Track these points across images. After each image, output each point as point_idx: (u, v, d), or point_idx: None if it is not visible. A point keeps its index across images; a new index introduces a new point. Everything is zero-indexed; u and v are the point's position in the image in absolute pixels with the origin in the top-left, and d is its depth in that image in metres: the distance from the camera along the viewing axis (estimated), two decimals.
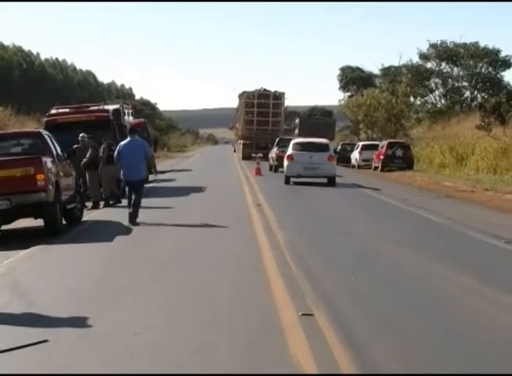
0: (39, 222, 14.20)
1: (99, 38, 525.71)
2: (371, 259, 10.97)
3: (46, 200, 13.43)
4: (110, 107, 24.51)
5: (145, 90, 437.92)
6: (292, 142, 29.65)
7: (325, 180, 27.50)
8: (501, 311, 7.69)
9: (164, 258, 11.06)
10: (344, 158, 45.29)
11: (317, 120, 64.08)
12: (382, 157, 38.43)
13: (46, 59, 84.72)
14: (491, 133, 37.84)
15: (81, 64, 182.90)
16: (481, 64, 62.86)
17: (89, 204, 18.69)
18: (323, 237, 13.37)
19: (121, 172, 15.58)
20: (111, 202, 19.29)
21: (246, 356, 6.04)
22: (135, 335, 6.59)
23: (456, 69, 63.72)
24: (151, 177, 22.13)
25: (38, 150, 14.12)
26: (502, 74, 63.53)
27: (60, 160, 14.93)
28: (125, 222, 14.94)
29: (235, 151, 71.30)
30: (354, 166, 44.05)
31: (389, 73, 69.25)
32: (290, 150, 28.48)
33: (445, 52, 62.66)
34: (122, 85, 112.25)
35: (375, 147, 41.09)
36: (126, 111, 26.30)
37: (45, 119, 23.12)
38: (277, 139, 39.78)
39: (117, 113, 23.97)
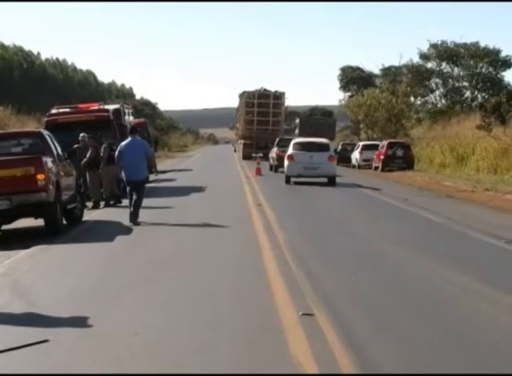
0: (40, 222, 14.20)
1: (100, 38, 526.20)
2: (371, 259, 10.96)
3: (47, 200, 13.43)
4: (111, 107, 24.49)
5: (145, 90, 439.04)
6: (292, 142, 29.69)
7: (325, 180, 27.55)
8: (502, 311, 7.69)
9: (164, 257, 11.06)
10: (344, 158, 45.29)
11: (317, 120, 64.13)
12: (382, 157, 38.42)
13: (46, 59, 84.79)
14: (491, 133, 37.83)
15: (82, 64, 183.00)
16: (481, 64, 62.88)
17: (90, 204, 18.69)
18: (324, 237, 13.36)
19: (122, 172, 15.60)
20: (112, 202, 19.29)
21: (246, 355, 6.04)
22: (135, 335, 6.59)
23: (456, 69, 63.75)
24: (152, 177, 22.15)
25: (39, 150, 14.11)
26: (503, 74, 63.65)
27: (61, 160, 14.93)
28: (126, 221, 14.94)
29: (235, 151, 71.31)
30: (354, 166, 44.05)
31: (389, 73, 69.26)
32: (290, 150, 28.52)
33: (446, 52, 62.67)
34: (122, 85, 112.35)
35: (375, 147, 41.08)
36: (126, 111, 26.28)
37: (46, 119, 23.11)
38: (277, 139, 39.80)
39: (118, 112, 23.96)
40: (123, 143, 15.72)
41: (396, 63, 69.11)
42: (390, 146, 38.50)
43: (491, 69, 63.18)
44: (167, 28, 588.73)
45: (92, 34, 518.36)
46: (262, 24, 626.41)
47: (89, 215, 17.01)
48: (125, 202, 16.83)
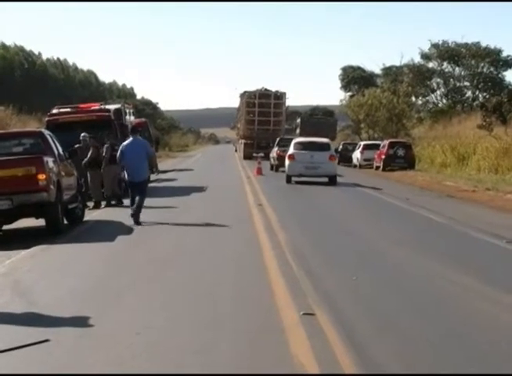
0: (41, 222, 14.20)
1: (100, 38, 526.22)
2: (372, 259, 10.96)
3: (48, 199, 13.43)
4: (112, 107, 24.50)
5: (146, 90, 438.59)
6: (293, 142, 29.78)
7: (326, 179, 27.62)
8: (503, 311, 7.69)
9: (165, 257, 11.06)
10: (345, 158, 45.35)
11: (318, 119, 64.15)
12: (383, 156, 38.42)
13: (48, 59, 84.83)
14: (492, 133, 37.84)
15: (83, 64, 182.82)
16: (482, 64, 62.88)
17: (91, 204, 18.70)
18: (325, 237, 13.36)
19: (124, 173, 15.60)
20: (113, 202, 19.28)
21: (247, 355, 6.04)
22: (136, 335, 6.59)
23: (457, 69, 63.75)
24: (153, 177, 22.17)
25: (40, 150, 14.11)
26: (504, 73, 63.67)
27: (62, 160, 14.93)
28: (127, 221, 14.94)
29: (236, 151, 71.33)
30: (355, 166, 44.06)
31: (390, 72, 69.26)
32: (291, 150, 28.59)
33: (447, 52, 62.67)
34: (123, 85, 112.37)
35: (376, 147, 41.08)
36: (127, 111, 26.29)
37: (47, 119, 23.13)
38: (278, 139, 39.85)
39: (119, 112, 23.97)
40: (124, 143, 15.72)
41: (397, 63, 69.25)
42: (391, 145, 38.50)
43: (492, 69, 63.18)
44: (168, 28, 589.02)
45: (93, 34, 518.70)
46: (262, 24, 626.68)
47: (90, 215, 17.01)
48: (126, 202, 16.82)
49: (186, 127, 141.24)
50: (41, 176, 13.25)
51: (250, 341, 6.42)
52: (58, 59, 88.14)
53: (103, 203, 19.19)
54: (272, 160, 37.67)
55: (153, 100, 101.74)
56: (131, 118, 26.77)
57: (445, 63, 63.61)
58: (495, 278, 9.55)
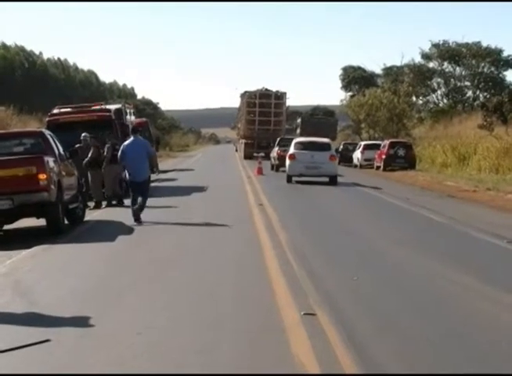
0: (41, 222, 14.20)
1: (100, 38, 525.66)
2: (373, 259, 10.97)
3: (48, 199, 13.44)
4: (112, 107, 24.52)
5: (147, 90, 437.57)
6: (294, 142, 29.86)
7: (326, 179, 27.66)
8: (503, 311, 7.69)
9: (166, 257, 11.07)
10: (346, 158, 45.36)
11: (319, 119, 64.15)
12: (384, 156, 38.42)
13: (48, 59, 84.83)
14: (493, 133, 37.84)
15: (83, 64, 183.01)
16: (483, 64, 62.88)
17: (91, 204, 18.71)
18: (325, 236, 13.37)
19: (125, 172, 15.62)
20: (114, 202, 19.29)
21: (248, 355, 6.04)
22: (137, 335, 6.59)
23: (458, 68, 63.75)
24: (153, 176, 22.14)
25: (40, 150, 14.12)
26: (505, 73, 63.69)
27: (62, 160, 14.93)
28: (127, 221, 14.95)
29: (237, 151, 71.36)
30: (356, 166, 44.06)
31: (391, 72, 69.23)
32: (292, 150, 28.66)
33: (448, 52, 62.67)
34: (124, 85, 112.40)
35: (377, 147, 41.09)
36: (128, 111, 26.30)
37: (47, 118, 23.13)
38: (278, 139, 39.89)
39: (119, 112, 23.98)
40: (125, 143, 15.75)
41: (398, 63, 69.23)
42: (391, 145, 38.51)
43: (493, 68, 63.18)
44: (168, 28, 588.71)
45: (93, 34, 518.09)
46: (263, 24, 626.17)
47: (91, 215, 17.02)
48: (127, 202, 16.82)
49: (187, 127, 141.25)
50: (42, 176, 13.26)
51: (250, 340, 6.43)
52: (58, 59, 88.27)
53: (104, 203, 19.19)
54: (272, 160, 37.72)
55: (154, 100, 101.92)
56: (131, 118, 26.78)
57: (445, 63, 63.62)
58: (496, 278, 9.55)
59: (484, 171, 31.82)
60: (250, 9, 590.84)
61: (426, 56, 64.04)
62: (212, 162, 52.12)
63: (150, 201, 16.33)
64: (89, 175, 19.18)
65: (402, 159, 37.87)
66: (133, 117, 27.81)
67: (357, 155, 44.21)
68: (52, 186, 13.54)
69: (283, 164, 30.47)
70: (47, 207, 13.57)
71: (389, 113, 54.40)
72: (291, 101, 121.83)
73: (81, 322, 7.04)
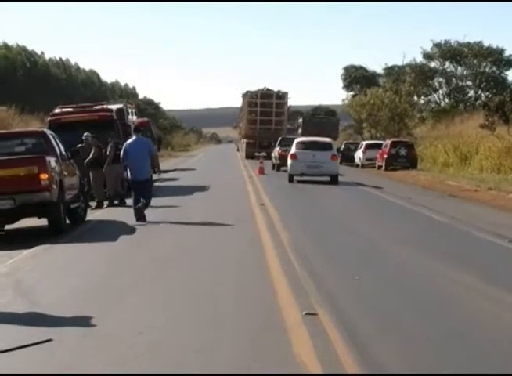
0: (43, 222, 14.21)
1: (101, 38, 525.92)
2: (375, 258, 10.97)
3: (50, 199, 13.44)
4: (114, 107, 24.53)
5: (148, 89, 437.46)
6: (295, 141, 29.92)
7: (328, 179, 27.70)
8: (504, 310, 7.69)
9: (167, 257, 11.07)
10: (347, 157, 45.37)
11: (320, 119, 64.18)
12: (386, 156, 38.42)
13: (50, 59, 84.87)
14: (495, 132, 37.82)
15: (85, 64, 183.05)
16: (484, 63, 62.90)
17: (93, 204, 18.70)
18: (327, 236, 13.37)
19: (127, 171, 15.62)
20: (115, 202, 19.29)
21: (249, 355, 6.04)
22: (139, 335, 6.59)
23: (459, 68, 63.77)
24: (154, 176, 22.12)
25: (42, 150, 14.12)
26: (506, 73, 63.72)
27: (64, 160, 14.94)
28: (129, 221, 14.95)
29: (238, 150, 71.38)
30: (358, 165, 44.06)
31: (393, 72, 69.19)
32: (293, 149, 28.72)
33: (449, 52, 62.68)
34: (126, 85, 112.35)
35: (379, 146, 41.09)
36: (130, 111, 26.31)
37: (49, 118, 23.13)
38: (279, 139, 39.93)
39: (121, 112, 24.00)
40: (128, 142, 15.78)
41: (399, 63, 69.16)
42: (393, 145, 38.51)
43: (494, 68, 63.21)
44: (169, 28, 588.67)
45: (94, 34, 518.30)
46: (263, 24, 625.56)
47: (92, 215, 17.02)
48: (129, 202, 16.83)
49: (188, 126, 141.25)
50: (44, 176, 13.27)
51: (252, 340, 6.43)
52: (60, 59, 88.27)
53: (106, 202, 19.20)
54: (273, 159, 37.77)
55: (155, 100, 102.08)
56: (133, 118, 26.77)
57: (447, 63, 63.63)
58: (497, 277, 9.55)
59: (486, 171, 31.81)
60: (251, 9, 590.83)
61: (427, 56, 64.07)
62: (213, 162, 52.13)
63: (152, 201, 16.33)
64: (91, 174, 19.18)
65: (404, 158, 37.87)
66: (135, 117, 27.81)
67: (359, 155, 44.21)
68: (54, 186, 13.54)
69: (285, 164, 30.53)
70: (48, 207, 13.57)
71: (391, 113, 54.40)
72: (293, 101, 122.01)
73: (83, 322, 7.04)
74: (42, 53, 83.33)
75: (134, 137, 15.73)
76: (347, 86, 75.59)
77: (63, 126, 21.27)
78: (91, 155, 19.17)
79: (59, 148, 15.01)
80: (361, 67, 76.22)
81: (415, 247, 12.03)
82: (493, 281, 9.15)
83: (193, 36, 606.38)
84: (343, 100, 71.48)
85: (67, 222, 14.71)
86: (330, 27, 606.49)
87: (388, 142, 39.63)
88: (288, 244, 11.93)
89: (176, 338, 6.53)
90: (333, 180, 27.61)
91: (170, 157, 60.47)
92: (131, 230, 14.04)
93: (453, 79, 63.89)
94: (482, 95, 62.77)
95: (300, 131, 58.83)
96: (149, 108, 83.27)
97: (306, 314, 7.16)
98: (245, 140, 55.72)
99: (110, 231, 14.25)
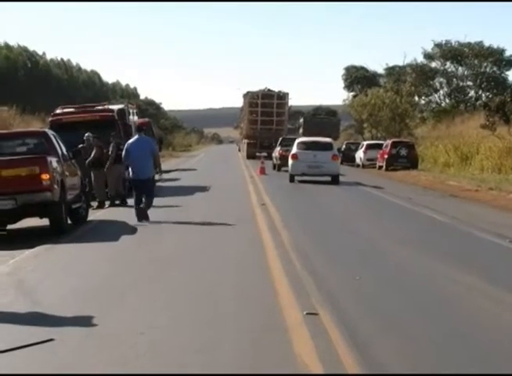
0: (44, 222, 14.22)
1: (102, 39, 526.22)
2: (375, 258, 10.98)
3: (51, 199, 13.46)
4: (115, 107, 24.55)
5: (149, 90, 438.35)
6: (296, 142, 29.97)
7: (329, 179, 27.74)
8: (505, 310, 7.70)
9: (168, 257, 11.08)
10: (348, 157, 45.38)
11: (321, 119, 64.19)
12: (386, 156, 38.42)
13: (51, 59, 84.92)
14: (495, 132, 37.83)
15: (86, 64, 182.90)
16: (485, 64, 62.89)
17: (94, 204, 18.72)
18: (327, 236, 13.38)
19: (129, 171, 15.64)
20: (117, 202, 19.31)
21: (250, 355, 6.05)
22: (140, 335, 6.60)
23: (460, 68, 63.77)
24: (156, 176, 22.15)
25: (43, 150, 14.13)
26: (507, 73, 63.73)
27: (65, 160, 14.95)
28: (130, 221, 14.97)
29: (239, 150, 71.41)
30: (358, 165, 44.06)
31: (393, 72, 69.18)
32: (294, 149, 28.75)
33: (450, 52, 62.67)
34: (127, 85, 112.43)
35: (379, 146, 41.09)
36: (131, 111, 26.33)
37: (50, 119, 23.14)
38: (280, 139, 39.98)
39: (122, 112, 24.02)
40: (130, 141, 15.80)
41: (400, 63, 69.17)
42: (394, 145, 38.51)
43: (495, 68, 63.21)
44: (169, 28, 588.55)
45: (94, 34, 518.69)
46: (264, 24, 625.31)
47: (94, 215, 17.03)
48: (130, 202, 16.84)
49: (189, 127, 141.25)
50: (45, 176, 13.28)
51: (253, 340, 6.44)
52: (61, 59, 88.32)
53: (107, 203, 19.21)
54: (274, 159, 37.81)
55: (157, 100, 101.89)
56: (134, 118, 26.78)
57: (448, 63, 63.63)
58: (498, 277, 9.56)
59: (487, 171, 31.82)
60: (251, 9, 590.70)
61: (428, 56, 64.08)
62: (215, 162, 52.14)
63: (153, 201, 16.34)
64: (92, 174, 19.19)
65: (405, 159, 37.87)
66: (136, 117, 27.82)
67: (359, 155, 44.21)
68: (55, 186, 13.56)
69: (285, 164, 30.58)
70: (50, 207, 13.58)
71: (391, 113, 54.41)
72: (293, 101, 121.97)
73: (84, 321, 7.06)
74: (43, 54, 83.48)
75: (136, 136, 15.76)
76: (348, 86, 75.58)
77: (64, 126, 21.28)
78: (92, 155, 19.19)
79: (61, 148, 15.03)
80: (362, 67, 76.21)
81: (415, 247, 12.04)
82: (494, 281, 9.16)
83: (194, 36, 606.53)
84: (344, 100, 71.62)
85: (69, 222, 14.72)
86: (331, 27, 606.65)
87: (389, 142, 39.63)
88: (289, 244, 11.94)
89: (177, 338, 6.54)
90: (334, 180, 27.66)
91: (171, 157, 60.47)
92: (132, 230, 14.06)
93: (454, 79, 63.89)
94: (483, 95, 62.77)
95: (301, 131, 58.86)
96: (150, 108, 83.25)
97: (307, 314, 7.17)
98: (246, 140, 55.76)
99: (112, 231, 14.27)
